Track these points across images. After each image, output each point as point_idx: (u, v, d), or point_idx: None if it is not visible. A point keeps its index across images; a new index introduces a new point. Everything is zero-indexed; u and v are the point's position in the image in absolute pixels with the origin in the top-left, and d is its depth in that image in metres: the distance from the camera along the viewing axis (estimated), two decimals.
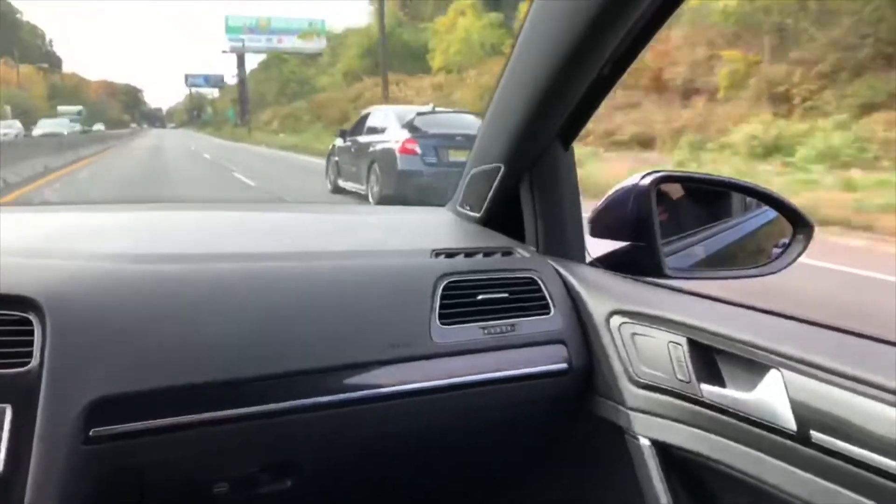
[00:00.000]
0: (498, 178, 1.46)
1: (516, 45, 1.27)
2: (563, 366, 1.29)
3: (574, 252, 1.44)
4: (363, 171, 10.54)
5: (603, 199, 1.42)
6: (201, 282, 1.14)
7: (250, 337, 1.09)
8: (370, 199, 10.16)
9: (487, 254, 1.40)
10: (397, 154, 9.81)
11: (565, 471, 1.42)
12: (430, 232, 1.59)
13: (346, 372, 1.14)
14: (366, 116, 11.69)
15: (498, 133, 1.42)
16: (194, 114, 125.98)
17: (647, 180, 1.35)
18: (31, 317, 0.99)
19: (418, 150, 9.77)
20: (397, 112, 10.88)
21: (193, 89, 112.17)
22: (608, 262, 1.41)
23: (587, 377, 1.30)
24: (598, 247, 1.43)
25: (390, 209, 1.94)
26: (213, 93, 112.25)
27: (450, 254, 1.37)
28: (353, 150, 11.29)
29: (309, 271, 1.23)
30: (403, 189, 9.54)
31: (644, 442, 1.19)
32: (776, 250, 1.41)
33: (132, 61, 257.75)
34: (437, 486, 1.43)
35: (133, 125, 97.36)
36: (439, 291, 1.26)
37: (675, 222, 1.43)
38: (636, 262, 1.34)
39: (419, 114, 10.42)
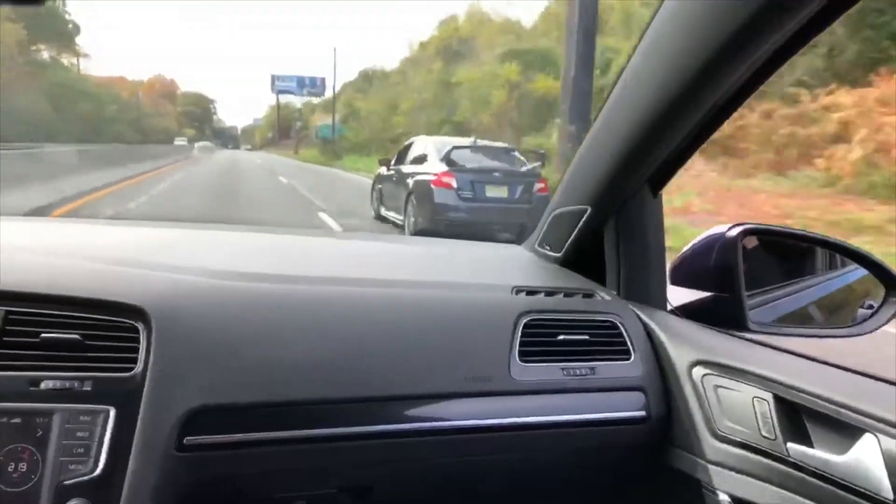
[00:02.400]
0: (583, 219, 1.45)
1: (616, 87, 1.27)
2: (642, 413, 1.27)
3: (655, 299, 1.42)
4: (402, 201, 10.54)
5: (687, 246, 1.41)
6: (295, 302, 1.17)
7: (339, 359, 1.11)
8: (406, 231, 10.15)
9: (568, 294, 1.39)
10: (432, 187, 9.78)
11: None
12: (508, 269, 1.59)
13: (426, 401, 1.15)
14: (409, 146, 11.70)
15: (587, 175, 1.41)
16: (281, 132, 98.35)
17: (735, 231, 1.33)
18: (139, 324, 1.04)
19: (454, 184, 9.69)
20: (437, 144, 10.83)
21: (281, 96, 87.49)
22: (688, 311, 1.38)
23: (665, 427, 1.28)
24: (678, 295, 1.41)
25: (466, 244, 1.94)
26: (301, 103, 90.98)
27: (531, 291, 1.36)
28: (394, 179, 11.28)
29: (394, 299, 1.24)
30: (437, 223, 9.46)
31: (723, 497, 1.16)
32: (862, 311, 1.38)
33: (202, 68, 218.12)
34: None
35: (180, 141, 70.70)
36: (520, 328, 1.25)
37: (758, 275, 1.41)
38: (718, 313, 1.33)
39: (456, 147, 10.36)
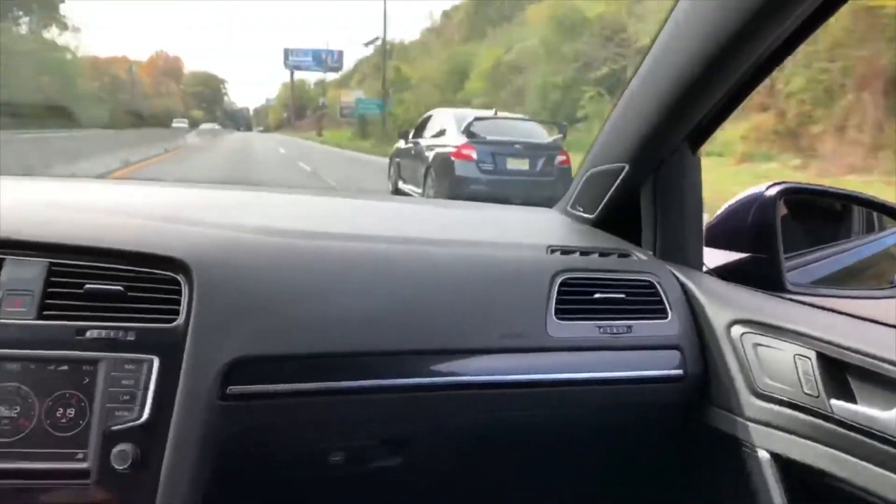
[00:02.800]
0: (620, 178, 1.44)
1: (654, 45, 1.25)
2: (679, 372, 1.27)
3: (692, 259, 1.41)
4: (420, 174, 10.46)
5: (723, 207, 1.39)
6: (333, 258, 1.17)
7: (376, 313, 1.12)
8: None
9: (604, 254, 1.38)
10: (452, 159, 9.68)
11: (672, 479, 1.39)
12: (543, 229, 1.58)
13: (463, 356, 1.16)
14: (427, 119, 11.58)
15: (624, 133, 1.40)
16: (296, 112, 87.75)
17: (773, 191, 1.32)
18: (180, 277, 1.05)
19: (474, 155, 9.57)
20: (457, 116, 10.68)
21: (295, 71, 74.37)
22: (724, 273, 1.37)
23: (702, 386, 1.28)
24: (713, 256, 1.40)
25: (499, 207, 1.94)
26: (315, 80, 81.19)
27: (566, 251, 1.36)
28: (413, 152, 11.18)
29: (431, 256, 1.25)
30: (457, 196, 9.32)
31: (763, 455, 1.16)
32: None
33: (210, 46, 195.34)
34: (539, 481, 1.41)
35: (179, 123, 59.83)
36: (556, 287, 1.25)
37: (796, 236, 1.39)
38: (755, 274, 1.31)
39: (477, 118, 10.22)
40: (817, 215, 1.47)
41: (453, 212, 1.86)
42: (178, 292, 1.04)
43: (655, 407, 1.30)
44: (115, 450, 0.94)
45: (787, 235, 1.33)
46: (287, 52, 66.87)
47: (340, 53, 66.96)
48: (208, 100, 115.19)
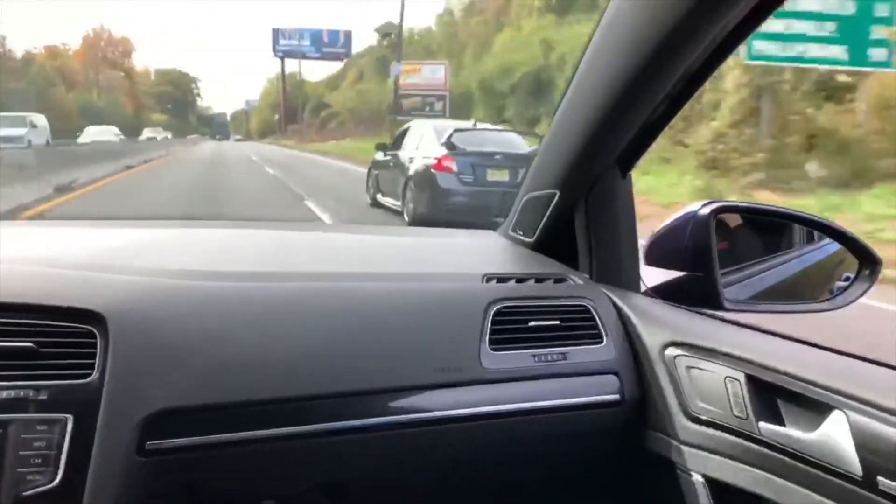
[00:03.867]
0: (552, 204, 1.44)
1: (578, 68, 1.25)
2: (616, 397, 1.26)
3: (628, 281, 1.41)
4: (400, 186, 10.48)
5: (660, 227, 1.40)
6: (256, 300, 1.15)
7: (304, 356, 1.10)
8: (405, 217, 10.11)
9: (539, 280, 1.38)
10: (433, 171, 9.70)
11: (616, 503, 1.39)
12: (481, 256, 1.58)
13: (396, 394, 1.14)
14: (406, 130, 11.63)
15: (555, 158, 1.40)
16: (287, 114, 68.07)
17: (707, 210, 1.32)
18: (95, 329, 1.01)
19: (455, 167, 9.62)
20: (437, 127, 10.76)
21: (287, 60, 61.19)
22: (663, 292, 1.37)
23: (639, 410, 1.27)
24: (652, 275, 1.40)
25: (440, 231, 1.93)
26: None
27: (501, 279, 1.35)
28: (391, 164, 11.22)
29: (360, 292, 1.23)
30: (438, 208, 9.41)
31: (697, 478, 1.16)
32: (839, 284, 1.37)
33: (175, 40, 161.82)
34: None
35: (151, 133, 49.03)
36: (490, 317, 1.24)
37: (733, 253, 1.40)
38: (693, 293, 1.31)
39: (457, 130, 10.29)
40: (757, 230, 1.47)
41: (390, 240, 1.84)
42: (94, 345, 1.00)
43: (594, 433, 1.29)
44: None
45: (727, 250, 1.33)
46: (277, 34, 54.04)
47: (348, 35, 53.13)
48: (176, 102, 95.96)
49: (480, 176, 9.58)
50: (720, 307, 1.28)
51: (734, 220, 1.42)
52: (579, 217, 1.44)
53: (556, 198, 1.43)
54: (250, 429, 1.04)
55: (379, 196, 11.81)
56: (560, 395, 1.23)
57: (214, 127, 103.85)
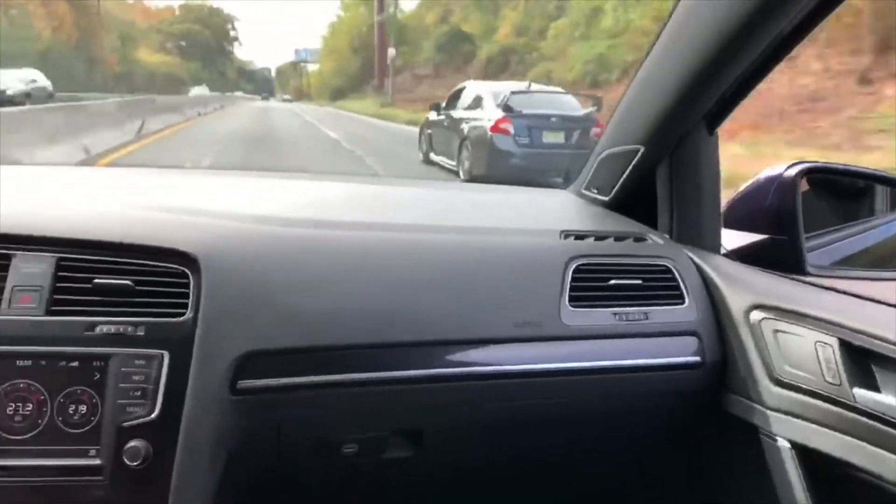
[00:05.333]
0: (635, 160, 1.41)
1: (669, 22, 1.21)
2: (696, 359, 1.25)
3: (709, 242, 1.38)
4: (454, 146, 10.46)
5: (741, 188, 1.36)
6: (345, 248, 1.17)
7: (389, 304, 1.12)
8: (461, 176, 10.10)
9: (619, 238, 1.36)
10: (489, 133, 9.67)
11: (688, 468, 1.38)
12: (556, 213, 1.56)
13: (475, 346, 1.15)
14: (460, 91, 11.56)
15: (639, 114, 1.37)
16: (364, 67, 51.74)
17: (793, 171, 1.28)
18: (188, 270, 1.05)
19: (511, 129, 9.59)
20: (492, 89, 10.68)
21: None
22: (743, 255, 1.34)
23: (720, 372, 1.26)
24: (732, 238, 1.37)
25: (511, 189, 1.92)
26: None
27: (579, 236, 1.34)
28: (445, 124, 11.19)
29: (441, 244, 1.24)
30: (494, 169, 9.39)
31: (783, 443, 1.14)
32: None
33: None
34: (554, 471, 1.40)
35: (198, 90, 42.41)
36: (570, 273, 1.24)
37: (817, 215, 1.35)
38: (774, 257, 1.28)
39: (513, 92, 10.22)
40: (839, 194, 1.43)
41: (467, 195, 1.84)
42: (187, 286, 1.04)
43: (672, 394, 1.28)
44: (128, 446, 0.95)
45: (807, 214, 1.29)
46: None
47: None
48: (207, 47, 71.62)
49: (536, 138, 9.53)
50: (804, 272, 1.25)
51: (819, 183, 1.37)
52: (662, 174, 1.41)
53: (640, 154, 1.40)
54: (336, 372, 1.07)
55: (432, 154, 11.84)
56: (640, 355, 1.22)
57: (259, 83, 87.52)
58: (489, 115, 9.88)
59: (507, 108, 9.69)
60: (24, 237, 1.04)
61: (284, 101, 65.78)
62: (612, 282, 1.26)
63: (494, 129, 9.60)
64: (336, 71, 62.51)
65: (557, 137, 9.49)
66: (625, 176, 1.46)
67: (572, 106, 10.46)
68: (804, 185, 1.31)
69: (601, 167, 1.53)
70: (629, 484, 1.49)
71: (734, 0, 1.08)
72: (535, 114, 9.75)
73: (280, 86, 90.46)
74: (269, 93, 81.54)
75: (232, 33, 79.87)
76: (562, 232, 1.34)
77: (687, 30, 1.19)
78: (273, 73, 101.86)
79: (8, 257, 1.02)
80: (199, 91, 47.97)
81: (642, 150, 1.39)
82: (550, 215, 1.54)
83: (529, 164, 9.23)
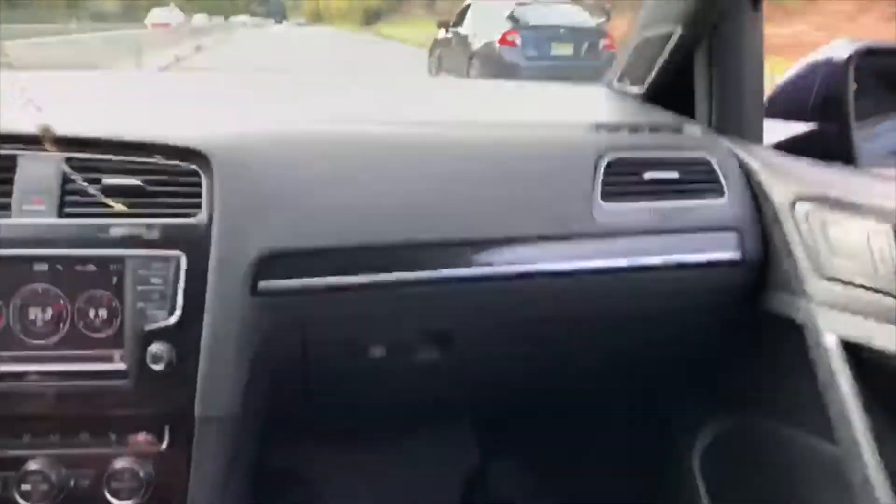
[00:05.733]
0: (671, 44, 1.31)
1: None
2: (737, 255, 1.19)
3: (751, 132, 1.30)
4: (463, 63, 10.36)
5: (785, 74, 1.28)
6: (364, 145, 1.11)
7: (411, 202, 1.07)
8: None
9: (654, 130, 1.29)
10: (497, 46, 9.59)
11: (732, 367, 1.34)
12: (588, 106, 1.49)
13: (503, 245, 1.10)
14: (467, 8, 11.43)
15: None
16: None
17: (844, 52, 1.20)
18: (199, 168, 1.00)
19: (518, 42, 9.53)
20: (498, 3, 10.57)
21: None
22: (788, 146, 1.27)
23: (762, 269, 1.20)
24: (775, 128, 1.30)
25: (543, 85, 1.85)
26: None
27: (612, 128, 1.27)
28: (453, 42, 11.11)
29: (468, 139, 1.18)
30: None
31: (831, 338, 1.09)
32: None
33: None
34: (589, 375, 1.37)
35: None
36: (602, 167, 1.17)
37: (869, 102, 1.27)
38: (822, 147, 1.21)
39: (519, 4, 10.10)
40: (893, 76, 1.34)
41: (495, 90, 1.77)
42: (199, 184, 1.00)
43: (711, 292, 1.23)
44: (151, 350, 0.93)
45: (858, 99, 1.21)
46: None
47: None
48: None
49: (544, 50, 9.52)
50: (855, 162, 1.18)
51: (869, 64, 1.28)
52: (700, 58, 1.32)
53: (676, 36, 1.30)
54: (361, 273, 1.03)
55: (442, 75, 11.76)
56: (676, 251, 1.17)
57: (271, 6, 75.80)
58: (496, 28, 9.75)
59: (513, 19, 9.57)
60: (27, 136, 0.98)
61: (298, 25, 58.07)
62: (647, 176, 1.19)
63: (502, 41, 9.58)
64: None
65: (566, 49, 9.44)
66: (660, 63, 1.36)
67: (581, 18, 10.37)
68: (855, 68, 1.22)
69: (635, 56, 1.44)
70: (666, 386, 1.45)
71: None
72: (543, 25, 9.70)
73: (294, 6, 77.30)
74: (282, 15, 71.37)
75: None
76: (593, 124, 1.26)
77: None
78: None
79: (13, 158, 0.97)
80: (166, 15, 31.29)
81: (679, 30, 1.29)
82: (582, 108, 1.47)
83: (538, 76, 9.13)
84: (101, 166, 0.98)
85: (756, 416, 1.29)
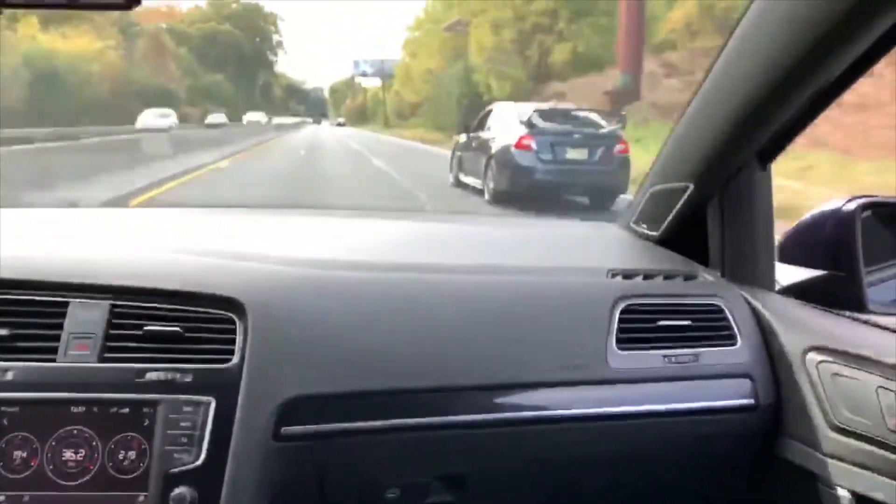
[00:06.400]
0: (685, 197, 1.37)
1: (723, 53, 1.18)
2: (750, 401, 1.21)
3: (763, 279, 1.34)
4: (481, 166, 10.57)
5: (798, 221, 1.32)
6: (387, 291, 1.16)
7: (434, 348, 1.10)
8: (486, 195, 10.17)
9: (668, 277, 1.33)
10: (513, 150, 9.77)
11: None
12: (603, 250, 1.53)
13: (520, 390, 1.13)
14: (488, 113, 11.71)
15: (690, 150, 1.33)
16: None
17: (852, 205, 1.24)
18: (235, 316, 1.05)
19: (534, 146, 9.70)
20: (518, 109, 10.83)
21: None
22: (799, 292, 1.30)
23: (775, 416, 1.21)
24: (787, 274, 1.33)
25: (557, 223, 1.89)
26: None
27: (627, 275, 1.30)
28: (473, 145, 11.35)
29: (485, 286, 1.22)
30: (517, 185, 9.51)
31: (844, 494, 1.09)
32: None
33: None
34: None
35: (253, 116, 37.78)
36: (617, 314, 1.20)
37: (876, 248, 1.31)
38: (833, 294, 1.24)
39: (537, 111, 10.35)
40: None
41: (511, 231, 1.82)
42: (234, 331, 1.04)
43: (726, 438, 1.24)
44: (174, 493, 0.95)
45: (866, 248, 1.25)
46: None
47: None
48: (243, 57, 51.52)
49: (560, 154, 9.66)
50: (865, 309, 1.21)
51: (878, 215, 1.33)
52: (713, 211, 1.37)
53: (690, 191, 1.36)
54: (381, 418, 1.05)
55: (461, 175, 11.99)
56: (690, 399, 1.19)
57: (311, 104, 75.65)
58: (513, 132, 9.98)
59: (530, 124, 9.80)
60: (80, 285, 1.05)
61: (338, 125, 56.43)
62: (661, 323, 1.22)
63: (518, 145, 9.74)
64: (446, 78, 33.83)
65: (581, 154, 9.60)
66: (675, 212, 1.42)
67: (596, 123, 10.57)
68: (867, 217, 1.27)
69: (651, 202, 1.50)
70: None
71: (787, 38, 1.05)
72: (559, 130, 9.88)
73: (334, 107, 78.00)
74: (323, 114, 71.53)
75: (275, 37, 60.62)
76: (609, 271, 1.30)
77: (741, 65, 1.15)
78: (325, 93, 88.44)
79: (65, 304, 1.03)
80: (217, 118, 34.24)
81: (692, 187, 1.35)
82: (598, 252, 1.51)
83: (552, 180, 9.39)
84: (144, 313, 1.03)
85: None
